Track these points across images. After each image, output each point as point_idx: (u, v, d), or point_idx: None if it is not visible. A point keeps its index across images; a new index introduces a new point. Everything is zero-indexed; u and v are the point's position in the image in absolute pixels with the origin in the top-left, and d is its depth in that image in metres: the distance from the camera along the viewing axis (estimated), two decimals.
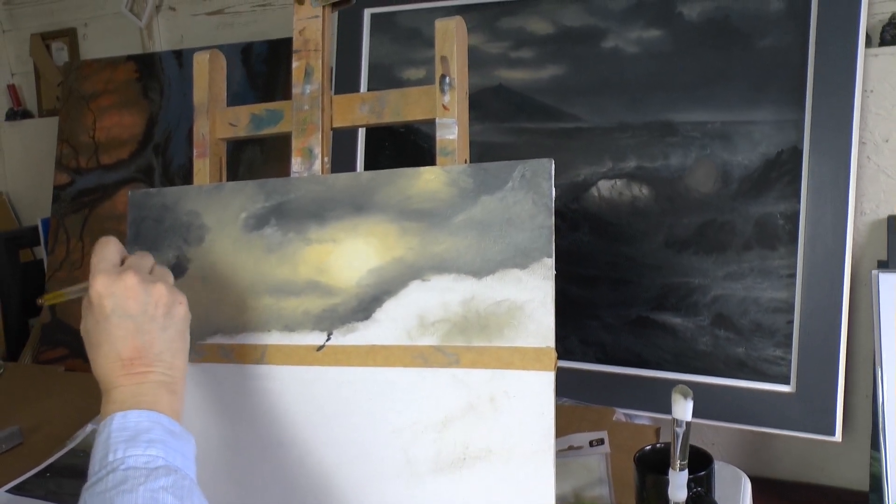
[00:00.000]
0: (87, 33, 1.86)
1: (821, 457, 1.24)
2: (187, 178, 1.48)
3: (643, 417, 1.14)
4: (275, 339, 0.73)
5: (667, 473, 0.67)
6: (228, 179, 0.82)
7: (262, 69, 1.48)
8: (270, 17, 1.63)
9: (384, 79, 1.37)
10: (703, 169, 1.15)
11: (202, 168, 0.81)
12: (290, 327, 0.72)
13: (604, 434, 0.94)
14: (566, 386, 1.17)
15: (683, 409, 0.63)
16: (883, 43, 1.13)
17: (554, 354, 0.63)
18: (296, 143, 0.77)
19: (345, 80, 1.38)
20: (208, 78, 0.81)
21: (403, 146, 1.36)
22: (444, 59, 0.71)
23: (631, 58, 1.20)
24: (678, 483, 0.66)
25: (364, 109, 0.76)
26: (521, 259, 0.65)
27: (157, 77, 1.59)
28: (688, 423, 0.64)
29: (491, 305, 0.66)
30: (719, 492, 0.76)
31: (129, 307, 0.61)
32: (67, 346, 1.56)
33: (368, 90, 1.37)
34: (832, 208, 1.06)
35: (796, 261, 1.08)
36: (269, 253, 0.74)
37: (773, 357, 1.10)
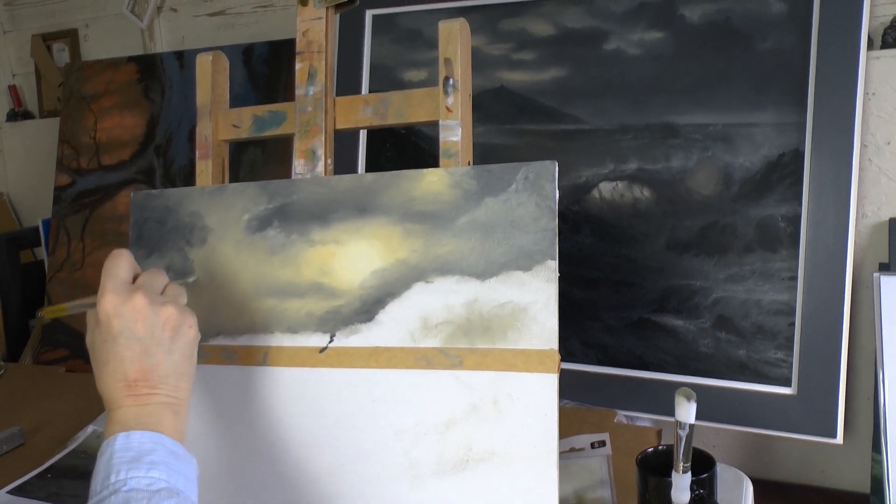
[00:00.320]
0: (88, 34, 1.86)
1: (822, 459, 1.24)
2: (188, 179, 1.48)
3: (645, 419, 1.14)
4: (277, 340, 0.73)
5: (669, 476, 0.68)
6: (230, 181, 0.82)
7: (264, 70, 1.48)
8: (272, 19, 1.63)
9: (385, 80, 1.37)
10: (704, 171, 1.15)
11: (205, 169, 0.81)
12: (292, 329, 0.72)
13: (605, 436, 0.94)
14: (567, 388, 1.17)
15: (687, 411, 0.64)
16: (885, 45, 1.13)
17: (557, 356, 0.63)
18: (299, 145, 0.76)
19: (346, 82, 1.38)
20: (211, 79, 0.81)
21: (404, 147, 1.36)
22: (447, 61, 0.71)
23: (632, 60, 1.20)
24: (681, 485, 0.66)
25: (367, 111, 0.76)
26: (525, 261, 0.65)
27: (158, 78, 1.59)
28: (691, 426, 0.64)
29: (494, 307, 0.66)
30: (721, 494, 0.75)
31: (136, 329, 0.61)
32: (68, 347, 1.55)
33: (370, 91, 1.37)
34: (833, 211, 1.06)
35: (798, 263, 1.08)
36: (272, 254, 0.74)
37: (775, 359, 1.10)
